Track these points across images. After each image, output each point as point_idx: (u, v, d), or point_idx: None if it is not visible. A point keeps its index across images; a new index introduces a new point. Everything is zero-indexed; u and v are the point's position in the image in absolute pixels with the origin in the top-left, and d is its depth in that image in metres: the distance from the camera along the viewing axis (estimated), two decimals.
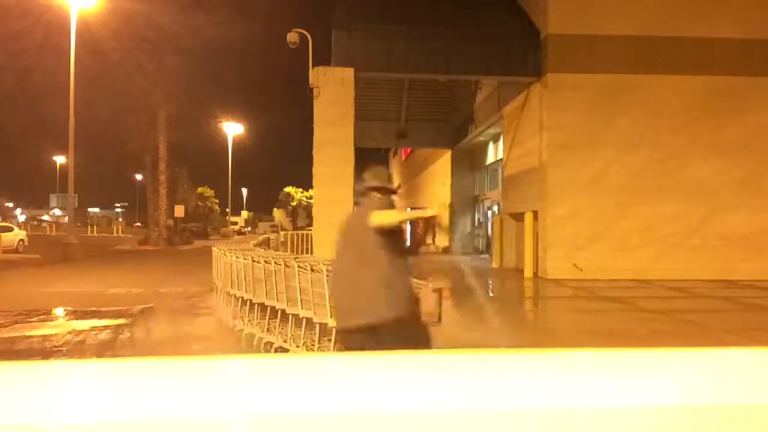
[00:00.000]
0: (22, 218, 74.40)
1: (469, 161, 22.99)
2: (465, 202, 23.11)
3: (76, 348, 6.81)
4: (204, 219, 58.01)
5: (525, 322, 8.69)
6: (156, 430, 0.83)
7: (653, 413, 0.90)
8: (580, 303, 9.87)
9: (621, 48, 12.83)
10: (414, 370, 1.15)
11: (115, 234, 52.80)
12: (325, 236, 12.15)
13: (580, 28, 12.83)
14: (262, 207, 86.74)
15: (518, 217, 14.51)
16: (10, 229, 26.13)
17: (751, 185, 12.86)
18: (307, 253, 13.48)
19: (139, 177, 53.82)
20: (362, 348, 3.33)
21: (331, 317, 4.74)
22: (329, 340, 5.01)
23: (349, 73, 12.31)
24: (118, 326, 8.01)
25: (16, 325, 8.21)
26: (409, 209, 28.10)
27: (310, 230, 13.15)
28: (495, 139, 19.37)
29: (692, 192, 12.81)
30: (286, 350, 5.67)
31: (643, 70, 12.80)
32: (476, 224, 22.84)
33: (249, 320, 6.65)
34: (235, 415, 0.87)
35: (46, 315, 9.25)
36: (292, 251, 13.41)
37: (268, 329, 6.14)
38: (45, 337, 7.40)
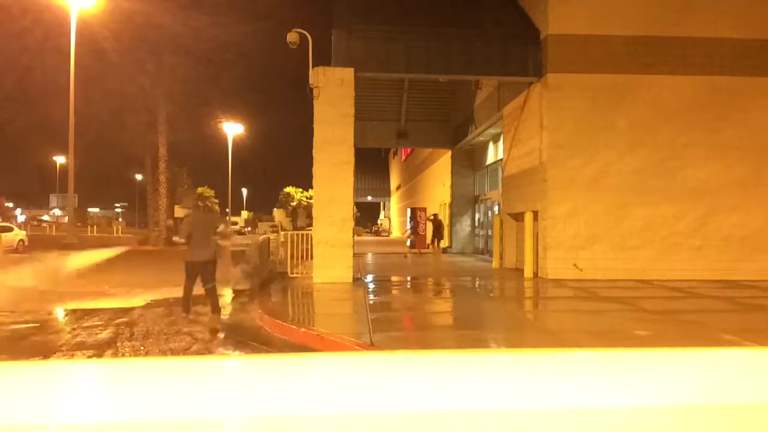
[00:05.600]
0: (22, 218, 74.36)
1: (469, 161, 22.99)
2: (465, 202, 23.11)
3: (76, 348, 6.81)
4: None
5: (525, 322, 8.69)
6: (156, 431, 0.83)
7: (653, 413, 0.90)
8: (580, 303, 9.87)
9: (621, 48, 12.82)
10: (413, 370, 1.15)
11: (115, 234, 52.80)
12: (325, 236, 12.15)
13: (580, 28, 12.83)
14: (262, 207, 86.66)
15: (518, 217, 14.51)
16: (10, 229, 26.15)
17: (750, 185, 12.86)
18: (307, 252, 13.47)
19: (139, 177, 53.80)
20: (203, 271, 7.77)
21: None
22: None
23: (349, 73, 12.29)
24: (119, 325, 8.01)
25: (17, 325, 8.21)
26: (409, 210, 28.15)
27: (310, 230, 13.13)
28: (495, 139, 19.37)
29: (692, 192, 12.81)
30: None
31: (643, 70, 12.80)
32: (476, 224, 22.85)
33: None
34: (235, 415, 0.87)
35: (46, 314, 9.25)
36: (292, 251, 13.39)
37: None
38: (45, 337, 7.40)
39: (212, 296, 7.82)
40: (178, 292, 8.38)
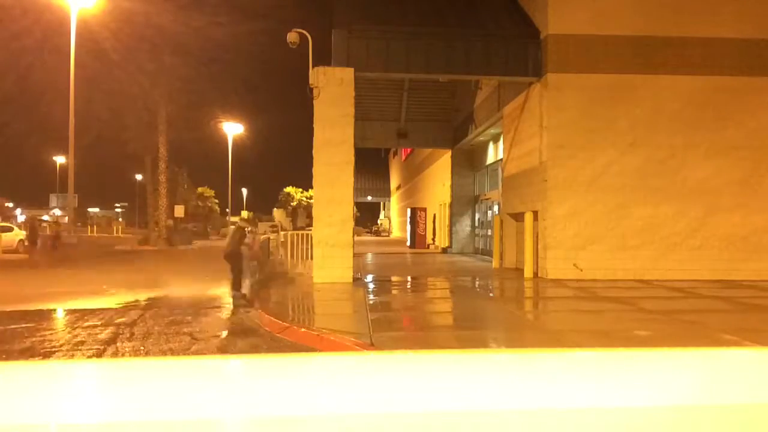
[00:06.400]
0: (22, 218, 74.27)
1: (469, 161, 23.00)
2: (465, 202, 23.12)
3: (76, 348, 6.81)
4: (204, 219, 58.06)
5: (525, 322, 8.69)
6: (156, 431, 0.83)
7: (653, 413, 0.90)
8: (580, 303, 9.87)
9: (621, 48, 12.82)
10: (414, 370, 1.15)
11: (114, 234, 52.83)
12: (325, 236, 12.14)
13: (580, 28, 12.83)
14: (262, 207, 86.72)
15: (518, 217, 14.51)
16: (10, 229, 26.16)
17: (750, 185, 12.86)
18: (307, 252, 13.46)
19: (139, 177, 53.82)
20: (232, 261, 10.52)
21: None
22: None
23: (349, 73, 12.28)
24: (119, 326, 8.01)
25: (17, 326, 8.22)
26: (409, 210, 28.12)
27: (310, 230, 13.13)
28: (495, 139, 19.37)
29: (692, 192, 12.81)
30: None
31: (643, 70, 12.80)
32: (476, 224, 22.85)
33: None
34: (235, 415, 0.87)
35: (46, 315, 9.26)
36: (292, 251, 13.40)
37: None
38: (45, 337, 7.41)
39: (235, 276, 10.42)
40: None
